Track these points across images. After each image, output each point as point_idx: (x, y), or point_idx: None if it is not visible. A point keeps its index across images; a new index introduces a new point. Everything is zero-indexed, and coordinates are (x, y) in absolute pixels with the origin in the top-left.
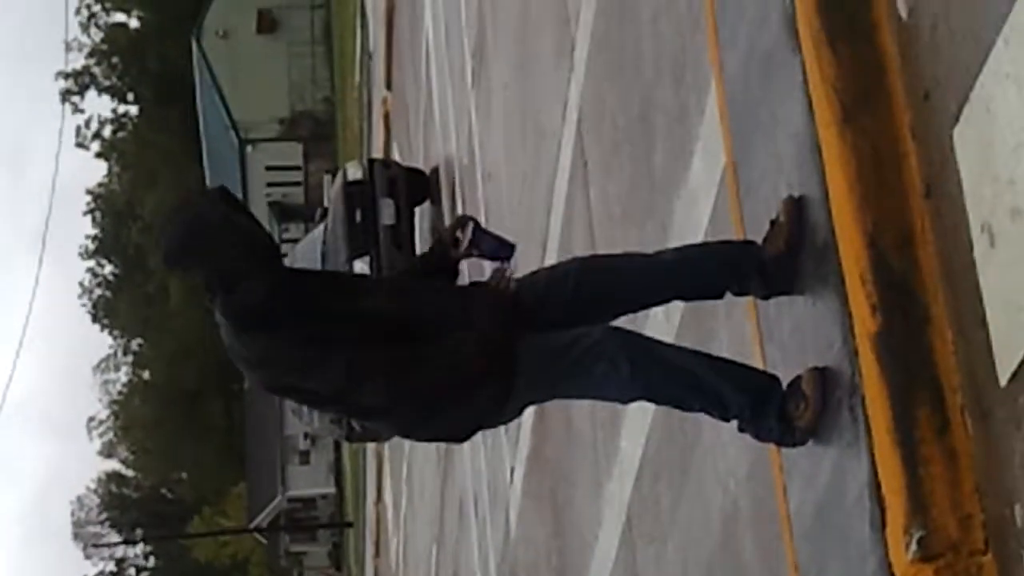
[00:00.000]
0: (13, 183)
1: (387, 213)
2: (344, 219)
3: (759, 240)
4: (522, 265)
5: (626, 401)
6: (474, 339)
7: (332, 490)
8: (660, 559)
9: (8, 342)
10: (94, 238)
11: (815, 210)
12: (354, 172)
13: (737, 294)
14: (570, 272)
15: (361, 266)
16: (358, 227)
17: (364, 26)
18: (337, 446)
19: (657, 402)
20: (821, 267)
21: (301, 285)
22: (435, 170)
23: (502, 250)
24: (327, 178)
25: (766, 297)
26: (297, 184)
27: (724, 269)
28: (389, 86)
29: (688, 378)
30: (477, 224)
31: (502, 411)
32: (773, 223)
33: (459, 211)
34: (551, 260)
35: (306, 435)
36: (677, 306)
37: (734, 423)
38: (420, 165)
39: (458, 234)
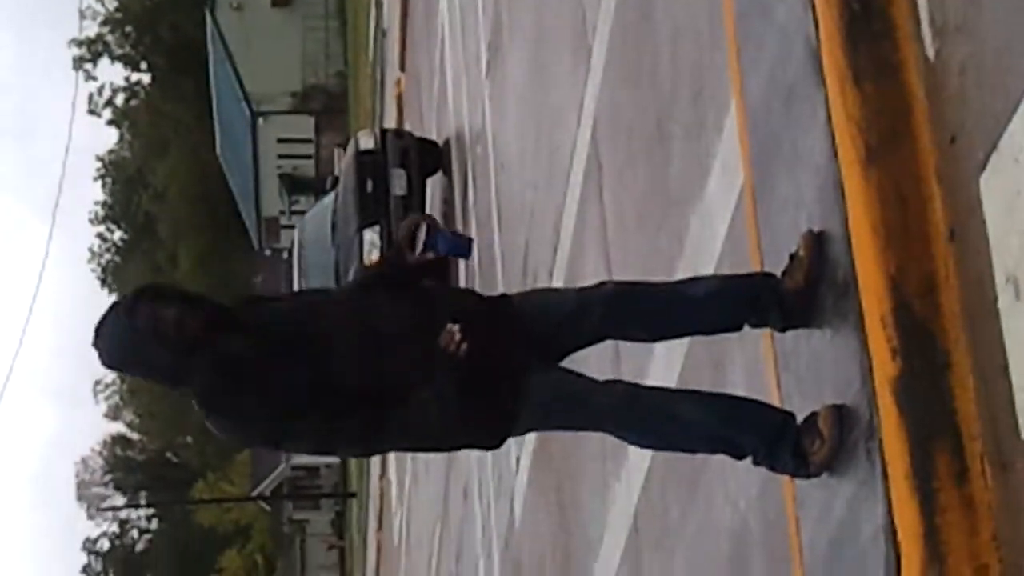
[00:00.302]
0: (25, 149)
1: (398, 183)
2: (355, 188)
3: (777, 271)
4: (536, 262)
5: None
6: (437, 403)
7: (336, 459)
8: (666, 569)
9: (19, 306)
10: (104, 204)
11: (836, 246)
12: (366, 141)
13: (755, 326)
14: (594, 302)
15: (371, 236)
16: (369, 197)
17: (379, 4)
18: None
19: (668, 451)
20: (840, 304)
21: (246, 359)
22: (447, 142)
23: (459, 248)
24: (338, 151)
25: (783, 330)
26: (308, 157)
27: (743, 302)
28: (403, 67)
29: (700, 430)
30: (432, 224)
31: (503, 438)
32: (792, 257)
33: (471, 199)
34: (563, 260)
35: None
36: None
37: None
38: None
39: (418, 232)
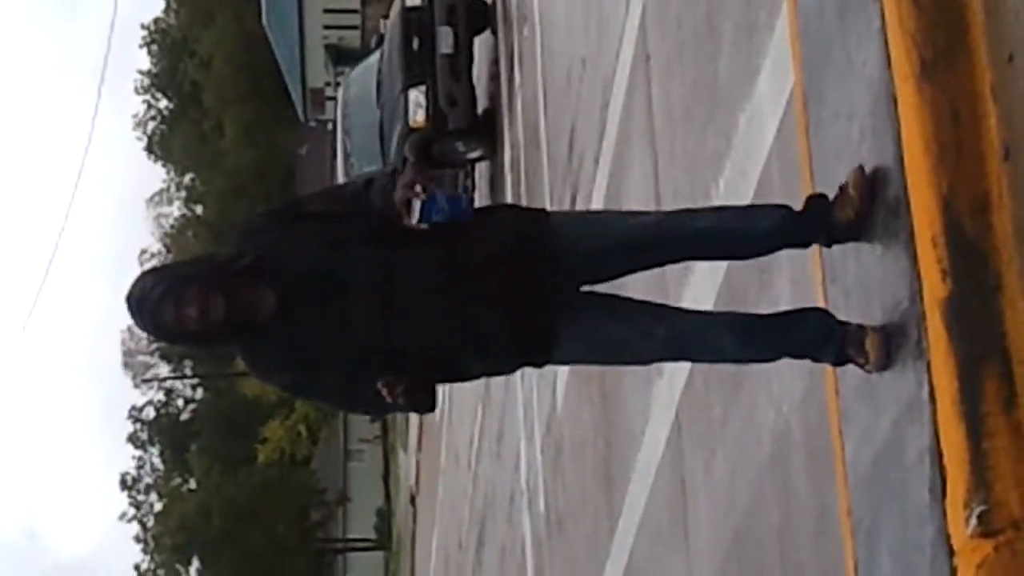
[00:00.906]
0: (72, 16)
1: (445, 41)
2: (400, 46)
3: (825, 181)
4: (581, 148)
5: None
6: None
7: None
8: (708, 467)
9: (66, 178)
10: (149, 72)
11: (888, 161)
12: None
13: (801, 247)
14: (647, 240)
15: (416, 95)
16: (415, 55)
17: None
18: None
19: None
20: (891, 221)
21: (269, 328)
22: (495, 4)
23: (457, 212)
24: (383, 22)
25: (829, 245)
26: (354, 28)
27: (795, 231)
28: None
29: (737, 356)
30: (427, 198)
31: (544, 363)
32: (842, 189)
33: (517, 80)
34: (609, 148)
35: None
36: None
37: None
38: None
39: (413, 202)
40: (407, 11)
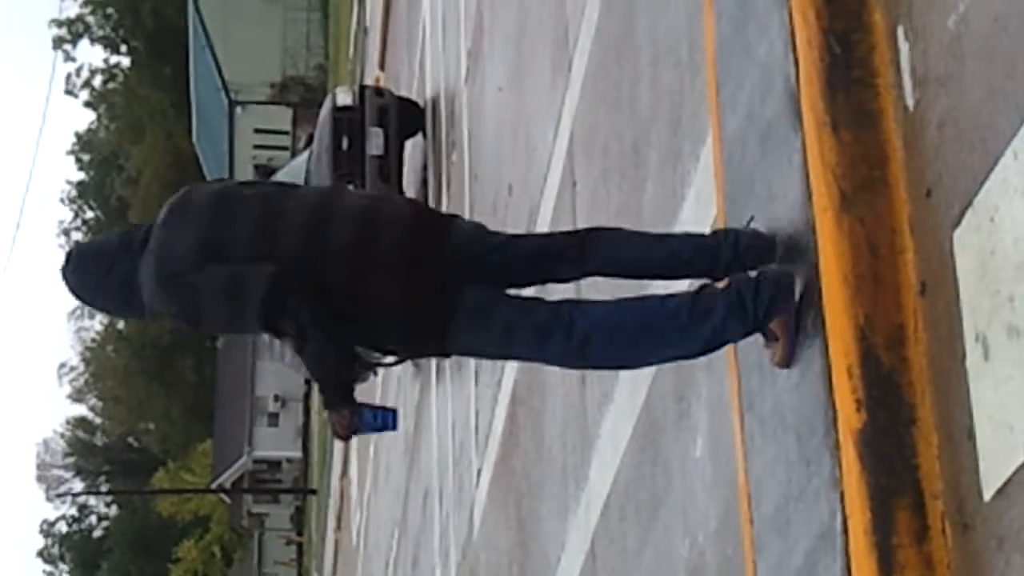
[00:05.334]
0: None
1: (375, 143)
2: (330, 146)
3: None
4: None
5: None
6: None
7: (298, 454)
8: None
9: None
10: (78, 184)
11: (805, 291)
12: (344, 97)
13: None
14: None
15: None
16: (344, 155)
17: (361, 2)
18: (307, 410)
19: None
20: (808, 350)
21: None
22: (429, 101)
23: (385, 422)
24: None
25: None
26: (284, 149)
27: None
28: (382, 66)
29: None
30: (354, 412)
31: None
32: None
33: (445, 205)
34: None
35: (276, 397)
36: None
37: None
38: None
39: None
40: (337, 111)
